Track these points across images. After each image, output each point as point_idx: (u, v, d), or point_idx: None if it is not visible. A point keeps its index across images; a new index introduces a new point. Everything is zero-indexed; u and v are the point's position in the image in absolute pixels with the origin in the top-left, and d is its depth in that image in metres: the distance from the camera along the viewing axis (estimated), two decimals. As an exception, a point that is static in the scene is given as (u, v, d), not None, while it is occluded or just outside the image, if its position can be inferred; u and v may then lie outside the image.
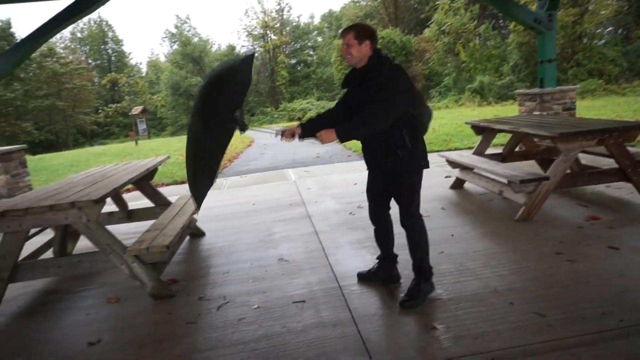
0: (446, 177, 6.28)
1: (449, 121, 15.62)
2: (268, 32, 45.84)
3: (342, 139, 2.59)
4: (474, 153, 5.57)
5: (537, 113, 7.39)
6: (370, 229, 3.28)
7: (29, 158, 20.46)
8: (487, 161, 4.98)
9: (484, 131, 5.60)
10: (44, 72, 38.07)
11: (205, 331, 2.75)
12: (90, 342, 2.76)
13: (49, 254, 4.14)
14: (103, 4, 6.03)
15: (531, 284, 2.92)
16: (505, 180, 4.38)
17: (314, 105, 35.08)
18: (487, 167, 4.64)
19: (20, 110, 36.22)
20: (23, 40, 6.26)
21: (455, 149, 9.24)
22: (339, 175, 7.54)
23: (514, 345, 2.25)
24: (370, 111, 2.57)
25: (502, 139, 7.40)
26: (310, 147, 12.45)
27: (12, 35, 39.60)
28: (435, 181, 6.24)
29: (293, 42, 48.18)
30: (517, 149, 5.81)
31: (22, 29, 60.32)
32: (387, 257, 3.12)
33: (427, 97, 32.25)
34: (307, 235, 4.42)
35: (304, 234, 4.48)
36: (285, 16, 47.65)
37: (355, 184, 6.59)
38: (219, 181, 8.53)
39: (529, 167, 5.56)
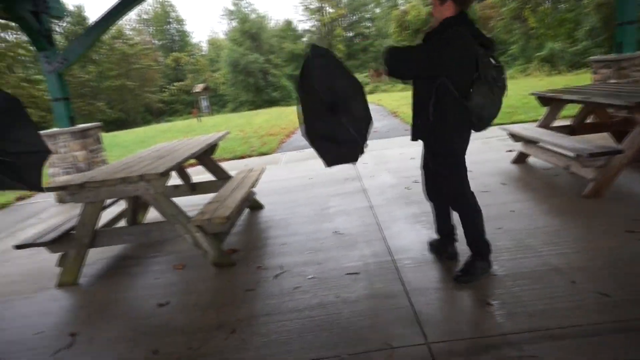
0: (508, 151, 6.03)
1: (514, 92, 14.78)
2: (325, 5, 45.25)
3: (386, 64, 2.55)
4: (539, 125, 5.27)
5: (613, 81, 6.81)
6: (426, 203, 3.27)
7: (103, 135, 21.99)
8: (553, 134, 4.70)
9: (551, 102, 5.27)
10: (114, 53, 40.26)
11: (263, 298, 2.89)
12: (159, 303, 3.01)
13: (122, 223, 4.50)
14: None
15: (596, 262, 2.78)
16: (572, 154, 4.13)
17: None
18: (553, 140, 4.39)
19: (94, 90, 38.78)
20: (93, 25, 6.65)
21: (520, 122, 8.78)
22: (396, 150, 7.45)
23: (573, 325, 2.18)
24: (406, 50, 2.52)
25: (571, 110, 6.93)
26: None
27: (84, 19, 42.01)
28: (497, 155, 6.01)
29: (350, 15, 47.29)
30: (588, 120, 5.42)
31: (94, 14, 63.75)
32: (442, 235, 3.09)
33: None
34: (363, 209, 4.45)
35: (359, 208, 4.51)
36: (342, -12, 46.69)
37: (412, 158, 6.49)
38: (277, 156, 8.73)
39: (601, 140, 5.20)
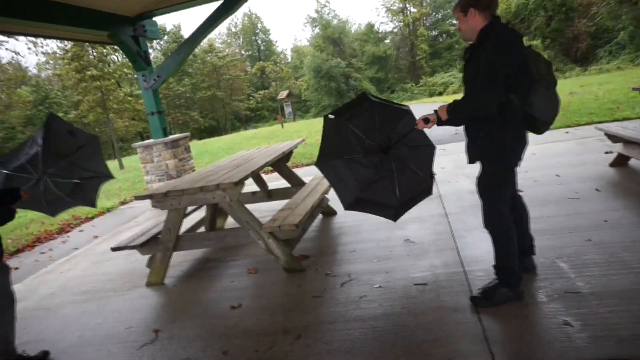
0: (606, 152, 5.46)
1: (619, 85, 13.36)
2: (407, 5, 44.47)
3: (448, 119, 2.35)
4: (643, 124, 4.72)
5: None
6: None
7: (195, 143, 23.58)
8: (658, 133, 4.18)
9: (657, 97, 4.68)
10: (206, 66, 43.10)
11: (329, 305, 2.92)
12: (232, 305, 3.17)
13: (202, 229, 4.80)
14: (244, 2, 6.56)
15: None
16: (681, 156, 3.64)
17: (456, 78, 33.14)
18: (658, 140, 3.90)
19: (189, 101, 41.86)
20: (182, 44, 7.21)
21: (623, 119, 7.91)
22: (477, 153, 7.09)
23: (670, 354, 1.92)
24: (470, 94, 2.32)
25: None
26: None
27: (182, 37, 45.58)
28: (593, 157, 5.49)
29: (434, 13, 45.94)
30: None
31: (190, 30, 68.96)
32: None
33: (594, 58, 27.99)
34: (437, 217, 4.31)
35: (434, 215, 4.37)
36: (425, -14, 45.57)
37: (494, 162, 6.15)
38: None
39: None
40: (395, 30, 47.11)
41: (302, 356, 2.42)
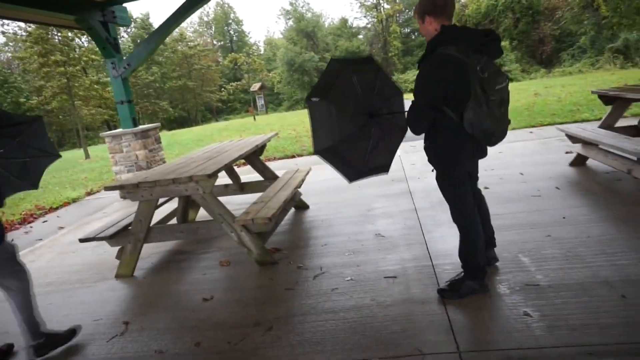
0: (567, 152, 5.72)
1: (580, 88, 13.94)
2: (381, 1, 44.81)
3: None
4: (601, 126, 4.97)
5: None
6: None
7: (164, 133, 23.10)
8: (615, 135, 4.41)
9: (615, 101, 4.94)
10: (176, 55, 42.25)
11: (301, 298, 2.97)
12: (204, 298, 3.17)
13: (174, 221, 4.76)
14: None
15: (653, 276, 2.60)
16: (635, 157, 3.87)
17: (427, 76, 33.78)
18: (614, 142, 4.12)
19: (158, 90, 40.91)
20: (154, 32, 7.05)
21: (583, 121, 8.29)
22: (446, 150, 7.28)
23: (618, 342, 2.06)
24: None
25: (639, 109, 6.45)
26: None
27: (150, 25, 44.43)
28: (554, 157, 5.74)
29: (407, 10, 46.45)
30: (657, 120, 5.03)
31: (158, 19, 67.18)
32: None
33: (558, 60, 29.00)
34: (407, 212, 4.42)
35: (404, 211, 4.48)
36: (398, -17, 45.98)
37: (462, 159, 6.33)
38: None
39: (671, 142, 4.80)
40: (369, 26, 47.42)
41: (274, 347, 2.46)
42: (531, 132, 7.81)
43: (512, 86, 18.74)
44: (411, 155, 7.36)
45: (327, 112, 2.65)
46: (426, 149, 2.63)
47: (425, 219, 4.14)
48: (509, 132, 2.64)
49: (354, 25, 48.73)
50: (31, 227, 6.71)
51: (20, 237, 6.05)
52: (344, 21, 48.78)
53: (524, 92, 15.37)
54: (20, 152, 3.01)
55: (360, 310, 2.69)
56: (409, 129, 2.55)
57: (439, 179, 2.67)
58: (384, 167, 2.79)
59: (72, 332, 2.85)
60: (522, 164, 5.62)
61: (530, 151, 6.36)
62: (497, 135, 2.37)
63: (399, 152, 7.84)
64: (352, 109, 2.64)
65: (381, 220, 4.28)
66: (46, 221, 6.89)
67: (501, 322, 2.34)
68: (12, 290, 2.68)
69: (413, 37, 45.82)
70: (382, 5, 44.90)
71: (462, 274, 2.71)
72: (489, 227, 2.94)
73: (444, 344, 2.23)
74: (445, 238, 3.59)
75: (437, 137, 2.49)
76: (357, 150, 2.70)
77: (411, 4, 46.04)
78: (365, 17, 47.22)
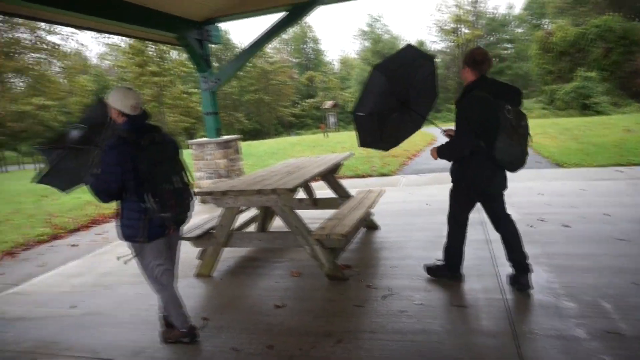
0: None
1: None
2: (460, 25, 44.19)
3: (439, 156, 3.25)
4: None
5: None
6: (550, 244, 3.16)
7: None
8: None
9: None
10: (255, 70, 44.26)
11: (370, 316, 3.06)
12: (276, 304, 3.36)
13: (251, 227, 5.04)
14: (307, 15, 6.86)
15: None
16: None
17: (505, 103, 32.52)
18: None
19: (236, 102, 43.07)
20: (244, 50, 7.57)
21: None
22: (523, 183, 7.04)
23: None
24: (450, 141, 3.17)
25: None
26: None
27: (229, 41, 47.07)
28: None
29: (487, 36, 45.42)
30: None
31: (236, 36, 70.90)
32: (513, 265, 3.28)
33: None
34: (478, 242, 4.37)
35: (475, 240, 4.43)
36: (480, 8, 45.15)
37: (539, 194, 6.11)
38: (397, 178, 8.85)
39: None
40: (447, 50, 46.84)
41: (343, 359, 2.57)
42: (621, 172, 7.35)
43: (598, 119, 17.62)
44: (485, 184, 7.21)
45: (378, 84, 3.38)
46: (453, 170, 3.27)
47: (498, 251, 4.05)
48: (592, 169, 2.74)
49: (431, 49, 48.37)
50: (121, 221, 7.36)
51: (111, 230, 6.68)
52: (420, 44, 48.60)
53: (613, 127, 14.40)
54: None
55: (429, 335, 2.73)
56: (453, 155, 3.23)
57: (452, 189, 3.36)
58: (385, 147, 3.75)
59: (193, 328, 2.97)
60: (606, 204, 5.33)
61: (617, 191, 6.00)
62: (517, 164, 2.97)
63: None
64: (386, 92, 3.36)
65: (452, 248, 4.26)
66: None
67: (578, 366, 2.28)
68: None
69: (494, 62, 44.57)
70: (462, 29, 44.21)
71: (444, 264, 3.50)
72: (520, 251, 3.22)
73: (515, 380, 2.22)
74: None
75: (465, 160, 3.11)
76: (382, 125, 3.50)
77: (492, 29, 45.00)
78: (442, 40, 46.76)
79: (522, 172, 8.64)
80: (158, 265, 2.78)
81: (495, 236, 4.47)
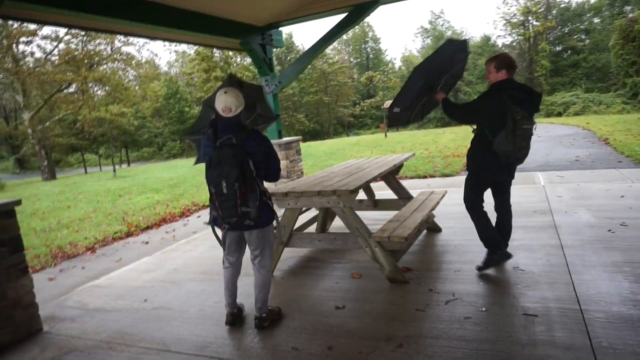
0: None
1: None
2: (530, 18, 41.87)
3: (442, 102, 3.74)
4: None
5: None
6: (633, 252, 2.94)
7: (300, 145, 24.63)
8: None
9: None
10: (315, 72, 44.76)
11: (432, 321, 2.97)
12: (337, 306, 3.36)
13: (311, 228, 5.09)
14: (367, 16, 6.81)
15: None
16: None
17: (579, 98, 30.36)
18: None
19: (296, 104, 43.81)
20: (304, 54, 7.66)
21: None
22: (601, 185, 6.54)
23: None
24: (454, 105, 3.79)
25: None
26: (569, 148, 11.06)
27: (293, 44, 47.83)
28: None
29: (560, 27, 42.66)
30: None
31: (300, 38, 71.86)
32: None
33: None
34: (550, 248, 4.11)
35: (547, 246, 4.17)
36: (552, -2, 42.50)
37: (621, 196, 5.63)
38: (459, 179, 8.55)
39: None
40: (514, 44, 44.60)
41: (404, 365, 2.51)
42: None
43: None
44: (557, 186, 6.78)
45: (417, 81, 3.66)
46: (469, 155, 3.71)
47: (573, 257, 3.80)
48: None
49: (496, 44, 46.34)
50: (188, 220, 7.74)
51: (180, 229, 7.03)
52: (486, 39, 46.74)
53: None
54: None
55: (495, 345, 2.60)
56: (450, 114, 3.78)
57: (467, 177, 3.75)
58: (402, 122, 4.15)
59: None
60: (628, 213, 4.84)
61: None
62: (513, 158, 3.40)
63: (542, 181, 7.28)
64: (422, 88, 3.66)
65: (520, 253, 4.04)
66: (199, 216, 7.89)
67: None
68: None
69: (565, 55, 41.83)
70: (531, 22, 41.87)
71: (487, 252, 3.68)
72: (506, 239, 3.81)
73: (593, 398, 2.06)
74: (598, 282, 3.26)
75: (476, 149, 3.60)
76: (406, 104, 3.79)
77: (565, 20, 42.24)
78: (510, 34, 44.56)
79: (600, 172, 8.10)
80: (225, 254, 3.26)
81: (571, 242, 4.22)
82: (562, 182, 7.06)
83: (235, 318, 3.31)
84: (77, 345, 3.23)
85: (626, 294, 3.01)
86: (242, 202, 2.80)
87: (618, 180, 6.69)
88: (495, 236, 3.67)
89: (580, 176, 7.41)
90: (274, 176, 3.13)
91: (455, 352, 2.57)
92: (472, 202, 3.69)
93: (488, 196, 3.76)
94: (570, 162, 9.26)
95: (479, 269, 3.68)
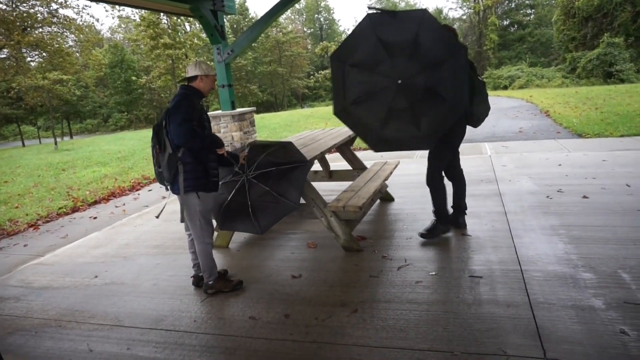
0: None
1: None
2: (480, -9, 42.63)
3: None
4: None
5: None
6: (568, 216, 3.13)
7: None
8: None
9: None
10: (268, 41, 43.67)
11: (385, 286, 3.09)
12: (293, 275, 3.41)
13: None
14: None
15: None
16: None
17: (524, 72, 31.56)
18: None
19: (249, 74, 42.72)
20: (257, 21, 7.44)
21: None
22: (542, 154, 6.92)
23: None
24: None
25: None
26: (513, 120, 11.55)
27: (246, 11, 46.30)
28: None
29: (507, 2, 43.83)
30: None
31: (254, 5, 69.59)
32: (455, 209, 4.01)
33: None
34: (495, 214, 4.34)
35: (492, 212, 4.40)
36: (501, -28, 43.35)
37: (559, 164, 6.00)
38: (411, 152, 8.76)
39: None
40: (464, 17, 45.44)
41: (359, 328, 2.61)
42: None
43: (622, 88, 17.05)
44: (503, 156, 7.11)
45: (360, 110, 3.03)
46: None
47: (515, 222, 4.04)
48: (614, 140, 2.70)
49: (449, 16, 47.00)
50: (138, 194, 7.50)
51: (130, 202, 6.81)
52: (437, 12, 47.24)
53: (638, 95, 13.94)
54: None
55: (444, 305, 2.75)
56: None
57: (437, 146, 3.63)
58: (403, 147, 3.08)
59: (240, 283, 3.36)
60: (628, 175, 5.21)
61: (640, 162, 5.86)
62: (483, 119, 3.62)
63: (489, 151, 7.61)
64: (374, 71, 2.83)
65: (468, 220, 4.23)
66: (151, 190, 7.66)
67: (594, 336, 2.28)
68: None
69: (512, 29, 43.15)
70: (481, -5, 42.66)
71: (434, 220, 3.83)
72: (463, 199, 3.98)
73: (529, 348, 2.23)
74: (536, 244, 3.50)
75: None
76: (372, 113, 2.93)
77: (513, -6, 43.28)
78: (461, 7, 45.30)
79: (542, 143, 8.51)
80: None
81: (514, 208, 4.47)
82: (507, 152, 7.41)
83: (200, 280, 3.40)
84: (24, 325, 3.10)
85: (561, 254, 3.26)
86: (156, 161, 3.07)
87: (556, 150, 7.11)
88: (447, 210, 3.85)
89: (523, 146, 7.80)
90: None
91: (407, 314, 2.69)
92: (438, 173, 3.77)
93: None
94: (514, 133, 9.70)
95: (422, 235, 3.82)
